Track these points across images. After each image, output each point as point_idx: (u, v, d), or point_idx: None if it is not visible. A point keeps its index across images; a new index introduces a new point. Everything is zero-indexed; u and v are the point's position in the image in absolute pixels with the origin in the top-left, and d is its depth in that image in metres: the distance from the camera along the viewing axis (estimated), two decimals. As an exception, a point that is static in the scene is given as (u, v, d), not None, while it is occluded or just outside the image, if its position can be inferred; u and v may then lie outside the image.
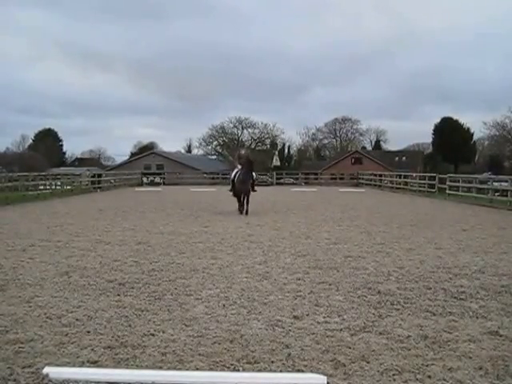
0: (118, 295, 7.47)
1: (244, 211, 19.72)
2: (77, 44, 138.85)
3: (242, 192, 20.06)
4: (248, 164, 20.33)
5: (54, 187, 37.62)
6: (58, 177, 42.90)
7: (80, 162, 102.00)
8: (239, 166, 20.52)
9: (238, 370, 4.90)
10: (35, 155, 75.95)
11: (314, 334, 5.89)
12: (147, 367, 4.93)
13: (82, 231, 14.48)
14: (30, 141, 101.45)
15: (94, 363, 5.03)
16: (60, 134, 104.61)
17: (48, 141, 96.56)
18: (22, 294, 7.50)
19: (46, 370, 4.80)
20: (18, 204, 26.18)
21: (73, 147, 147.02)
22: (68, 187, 38.56)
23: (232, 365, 5.03)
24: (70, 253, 10.86)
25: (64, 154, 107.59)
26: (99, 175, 46.39)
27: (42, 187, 35.75)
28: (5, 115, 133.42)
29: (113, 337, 5.74)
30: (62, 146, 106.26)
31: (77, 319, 6.33)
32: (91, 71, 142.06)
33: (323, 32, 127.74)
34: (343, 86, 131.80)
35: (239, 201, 20.25)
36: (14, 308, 6.80)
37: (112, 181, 47.00)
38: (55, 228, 15.28)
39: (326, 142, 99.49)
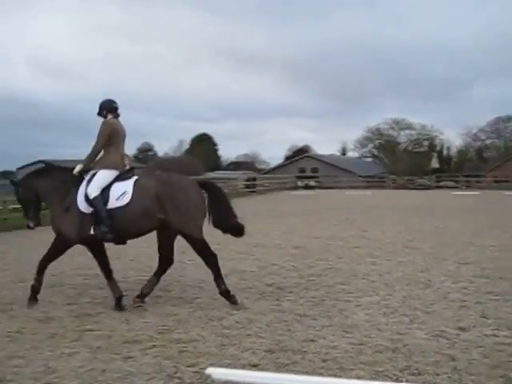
0: (277, 299, 7.55)
1: None
2: (231, 47, 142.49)
3: None
4: None
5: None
6: (215, 180, 44.45)
7: (235, 165, 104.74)
8: None
9: (401, 381, 4.75)
10: (192, 159, 79.18)
11: (481, 347, 5.58)
12: (308, 373, 4.92)
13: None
14: (187, 145, 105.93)
15: (255, 366, 5.11)
16: (215, 138, 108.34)
17: (204, 145, 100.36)
18: (184, 295, 7.82)
19: (209, 370, 4.90)
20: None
21: (228, 151, 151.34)
22: (224, 191, 39.74)
23: (395, 375, 4.89)
24: (227, 255, 11.12)
25: (219, 157, 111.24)
26: (254, 179, 47.45)
27: (199, 191, 37.17)
28: (163, 120, 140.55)
29: (273, 341, 5.79)
30: (217, 150, 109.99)
31: (237, 322, 6.48)
32: (245, 74, 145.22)
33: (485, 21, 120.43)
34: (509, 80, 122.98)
35: None
36: (177, 308, 7.09)
37: (267, 184, 47.88)
38: (212, 230, 15.74)
39: (488, 142, 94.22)
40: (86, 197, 7.22)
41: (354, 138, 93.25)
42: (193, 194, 7.39)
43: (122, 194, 7.22)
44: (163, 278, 8.84)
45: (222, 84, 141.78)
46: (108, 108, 7.73)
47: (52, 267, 9.66)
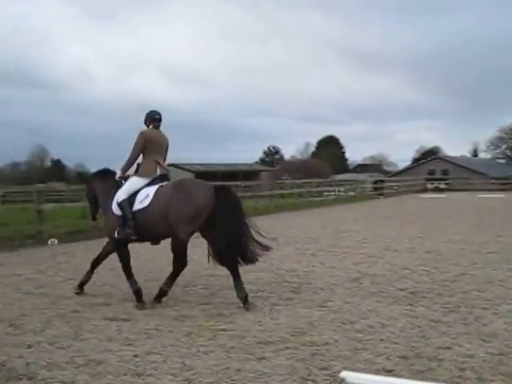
0: (410, 304, 7.35)
1: None
2: (354, 47, 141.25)
3: None
4: None
5: (337, 193, 38.87)
6: (342, 183, 44.24)
7: (362, 168, 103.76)
8: None
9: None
10: (319, 162, 79.33)
11: None
12: (445, 382, 4.74)
13: (369, 238, 14.67)
14: (313, 148, 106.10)
15: (389, 372, 4.99)
16: (342, 140, 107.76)
17: (330, 147, 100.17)
18: (315, 298, 7.79)
19: (343, 374, 4.87)
20: (304, 210, 27.51)
21: (354, 153, 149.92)
22: (351, 193, 39.51)
23: (538, 389, 4.61)
24: (358, 259, 11.04)
25: (346, 160, 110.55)
26: (382, 181, 46.71)
27: (326, 193, 37.21)
28: (289, 123, 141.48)
29: (407, 347, 5.64)
30: (343, 152, 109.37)
31: (370, 326, 6.37)
32: (370, 75, 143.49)
33: None
34: None
35: None
36: (309, 311, 7.08)
37: (395, 187, 46.96)
38: (342, 234, 15.73)
39: None
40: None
41: (485, 138, 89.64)
42: (195, 199, 7.49)
43: (145, 197, 7.71)
44: (294, 280, 8.93)
45: (348, 85, 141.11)
46: (150, 119, 8.27)
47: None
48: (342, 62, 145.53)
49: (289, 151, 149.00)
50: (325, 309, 7.19)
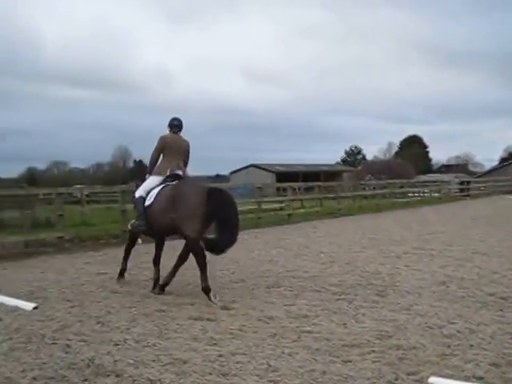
0: (501, 310, 7.06)
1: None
2: (437, 44, 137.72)
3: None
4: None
5: (421, 194, 38.05)
6: (426, 184, 43.29)
7: (446, 168, 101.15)
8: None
9: None
10: (402, 162, 77.88)
11: None
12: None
13: (455, 240, 14.25)
14: (396, 148, 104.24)
15: (480, 379, 4.80)
16: (425, 140, 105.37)
17: (414, 147, 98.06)
18: (401, 301, 7.61)
19: (432, 379, 4.75)
20: (388, 211, 27.08)
21: (438, 153, 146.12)
22: (436, 194, 38.59)
23: None
24: (444, 262, 10.74)
25: (430, 160, 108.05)
26: (468, 182, 45.40)
27: (410, 194, 36.49)
28: (371, 123, 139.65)
29: (498, 353, 5.41)
30: (427, 152, 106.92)
31: (458, 331, 6.15)
32: (455, 72, 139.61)
33: None
34: None
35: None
36: (395, 314, 6.92)
37: (482, 188, 45.52)
38: (427, 236, 15.36)
39: None
40: None
41: None
42: (191, 199, 8.10)
43: (152, 195, 8.60)
44: (379, 283, 8.78)
45: (431, 83, 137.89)
46: (170, 125, 9.16)
47: (266, 270, 10.04)
48: (426, 59, 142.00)
49: (371, 151, 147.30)
50: (411, 312, 7.01)
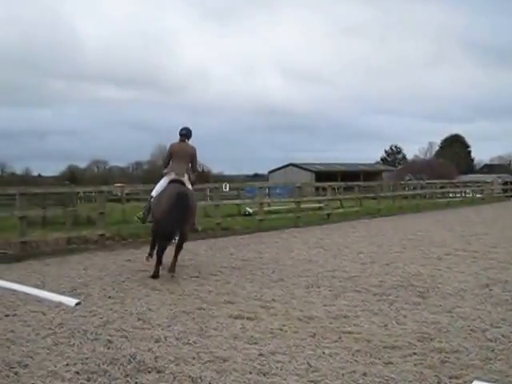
0: (544, 314, 6.92)
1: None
2: (482, 40, 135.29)
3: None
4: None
5: (463, 195, 37.51)
6: (469, 184, 42.64)
7: (489, 168, 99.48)
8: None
9: None
10: (443, 162, 76.83)
11: None
12: None
13: (499, 242, 14.00)
14: (437, 147, 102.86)
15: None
16: (467, 140, 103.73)
17: (455, 147, 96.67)
18: (443, 303, 7.50)
19: (475, 384, 4.68)
20: (429, 211, 26.76)
21: (481, 153, 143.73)
22: (478, 195, 37.99)
23: None
24: (488, 264, 10.54)
25: (472, 160, 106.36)
26: (511, 183, 44.60)
27: (451, 195, 36.00)
28: (411, 122, 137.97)
29: (544, 359, 5.30)
30: (469, 152, 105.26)
31: (502, 335, 6.03)
32: (498, 69, 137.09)
33: None
34: None
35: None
36: (437, 317, 6.82)
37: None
38: (470, 237, 15.13)
39: None
40: None
41: None
42: (165, 200, 9.78)
43: (157, 193, 10.26)
44: (420, 284, 8.69)
45: (474, 81, 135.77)
46: (179, 133, 10.66)
47: (306, 270, 10.02)
48: (468, 56, 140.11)
49: (411, 151, 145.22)
50: (453, 315, 6.90)
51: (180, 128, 10.68)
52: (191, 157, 10.60)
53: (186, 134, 10.65)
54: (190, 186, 10.36)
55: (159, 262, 9.87)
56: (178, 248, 10.13)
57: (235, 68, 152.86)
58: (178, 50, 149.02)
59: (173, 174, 10.25)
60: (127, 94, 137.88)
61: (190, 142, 10.77)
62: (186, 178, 10.29)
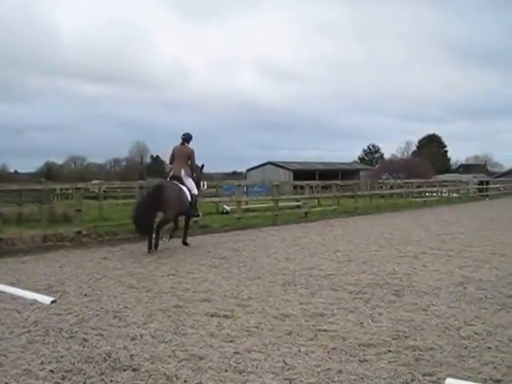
0: (519, 312, 7.02)
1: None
2: (458, 41, 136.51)
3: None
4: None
5: (439, 194, 37.86)
6: (445, 184, 43.03)
7: (465, 168, 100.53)
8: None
9: None
10: (420, 162, 77.41)
11: None
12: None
13: (474, 241, 14.16)
14: (415, 147, 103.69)
15: (497, 382, 4.74)
16: (444, 140, 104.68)
17: (432, 146, 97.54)
18: (418, 302, 7.56)
19: (448, 381, 4.71)
20: (405, 210, 26.97)
21: (457, 153, 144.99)
22: (454, 195, 38.37)
23: None
24: (462, 263, 10.65)
25: (448, 160, 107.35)
26: (487, 182, 45.09)
27: (427, 194, 36.32)
28: (389, 121, 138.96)
29: (516, 356, 5.38)
30: (446, 151, 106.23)
31: (476, 333, 6.10)
32: (475, 70, 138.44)
33: None
34: None
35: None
36: (412, 315, 6.87)
37: (501, 188, 45.18)
38: (445, 236, 15.26)
39: None
40: None
41: None
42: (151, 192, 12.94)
43: None
44: (396, 283, 8.76)
45: (451, 81, 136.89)
46: (181, 138, 13.49)
47: (283, 268, 10.05)
48: (445, 57, 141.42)
49: (389, 150, 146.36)
50: (428, 313, 6.96)
51: (182, 134, 13.52)
52: (189, 156, 13.33)
53: (185, 138, 13.43)
54: (188, 181, 13.18)
55: (149, 242, 12.49)
56: (160, 223, 12.88)
57: (214, 66, 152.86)
58: (158, 48, 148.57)
59: (172, 171, 13.26)
60: (106, 90, 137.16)
61: (191, 144, 13.56)
62: (182, 173, 13.09)
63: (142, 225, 12.41)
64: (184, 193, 12.93)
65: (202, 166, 14.33)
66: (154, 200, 12.29)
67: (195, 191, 13.37)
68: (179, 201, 12.76)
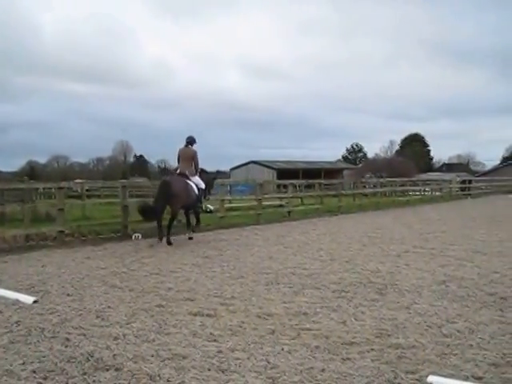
0: (501, 310, 7.05)
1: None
2: (442, 40, 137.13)
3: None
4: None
5: (422, 193, 38.07)
6: (428, 182, 43.29)
7: (447, 167, 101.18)
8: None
9: None
10: (403, 160, 77.84)
11: None
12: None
13: (456, 239, 14.26)
14: (398, 146, 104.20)
15: (479, 379, 4.79)
16: (427, 139, 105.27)
17: (415, 145, 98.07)
18: (401, 300, 7.61)
19: (430, 378, 4.75)
20: (388, 209, 27.08)
21: (440, 152, 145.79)
22: (437, 193, 38.60)
23: None
24: (445, 261, 10.73)
25: (431, 159, 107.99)
26: (469, 181, 45.43)
27: (410, 193, 36.52)
28: (372, 121, 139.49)
29: (497, 354, 5.40)
30: (429, 150, 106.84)
31: (458, 331, 6.15)
32: (458, 69, 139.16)
33: None
34: None
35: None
36: (394, 313, 6.91)
37: (483, 187, 45.54)
38: (428, 235, 15.36)
39: None
40: None
41: None
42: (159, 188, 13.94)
43: None
44: (378, 281, 8.80)
45: (434, 81, 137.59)
46: (185, 140, 14.72)
47: (266, 267, 10.05)
48: (429, 57, 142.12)
49: (372, 149, 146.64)
50: (411, 311, 7.01)
51: (186, 136, 14.75)
52: (192, 157, 14.60)
53: (189, 141, 14.68)
54: (195, 178, 14.46)
55: (160, 231, 13.82)
56: (170, 220, 14.01)
57: (197, 64, 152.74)
58: (140, 46, 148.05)
59: (179, 169, 14.54)
60: (89, 88, 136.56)
61: (195, 146, 14.77)
62: (187, 172, 14.35)
63: (148, 210, 13.61)
64: (191, 186, 14.20)
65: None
66: (162, 194, 13.54)
67: (202, 186, 14.73)
68: (185, 192, 13.94)
